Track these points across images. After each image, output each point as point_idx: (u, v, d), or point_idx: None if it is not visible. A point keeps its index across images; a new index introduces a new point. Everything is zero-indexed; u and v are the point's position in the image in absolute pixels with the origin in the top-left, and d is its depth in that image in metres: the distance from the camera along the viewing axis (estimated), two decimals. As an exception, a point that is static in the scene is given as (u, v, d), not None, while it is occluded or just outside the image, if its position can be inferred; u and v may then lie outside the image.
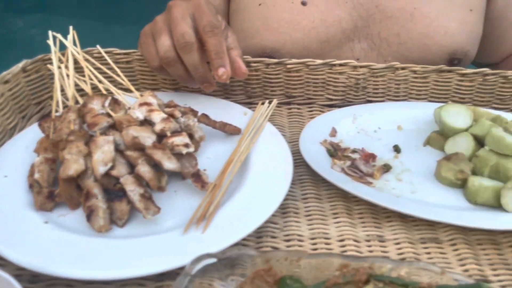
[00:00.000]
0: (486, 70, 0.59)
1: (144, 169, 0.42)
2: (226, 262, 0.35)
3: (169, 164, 0.42)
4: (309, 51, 0.66)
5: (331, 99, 0.62)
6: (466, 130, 0.51)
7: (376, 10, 0.66)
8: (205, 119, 0.52)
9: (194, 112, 0.52)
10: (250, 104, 0.61)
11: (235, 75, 0.52)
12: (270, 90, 0.62)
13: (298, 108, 0.62)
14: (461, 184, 0.47)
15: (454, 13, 0.66)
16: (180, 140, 0.44)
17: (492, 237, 0.43)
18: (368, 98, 0.62)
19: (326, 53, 0.67)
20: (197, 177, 0.44)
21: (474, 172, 0.47)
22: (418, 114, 0.58)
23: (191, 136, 0.49)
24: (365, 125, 0.57)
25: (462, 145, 0.50)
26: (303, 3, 0.66)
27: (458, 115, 0.52)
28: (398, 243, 0.42)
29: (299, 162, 0.51)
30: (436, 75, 0.60)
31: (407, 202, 0.44)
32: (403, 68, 0.60)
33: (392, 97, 0.62)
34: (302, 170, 0.50)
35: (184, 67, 0.50)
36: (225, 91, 0.62)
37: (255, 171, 0.46)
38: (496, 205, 0.43)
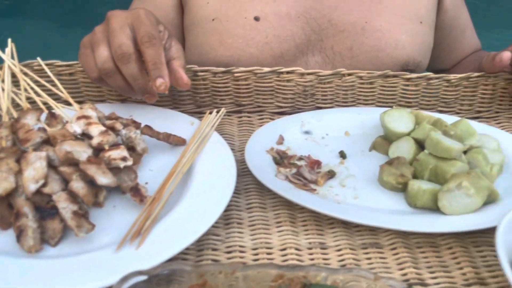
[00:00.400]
0: (430, 74, 0.61)
1: (77, 185, 0.40)
2: (160, 278, 0.34)
3: (103, 179, 0.41)
4: (263, 66, 0.66)
5: (281, 107, 0.62)
6: (408, 134, 0.52)
7: (329, 24, 0.67)
8: (148, 130, 0.51)
9: (136, 124, 0.51)
10: (199, 113, 0.61)
11: (177, 86, 0.51)
12: (219, 99, 0.61)
13: (248, 117, 0.62)
14: (402, 188, 0.47)
15: (404, 26, 0.68)
16: (118, 153, 0.43)
17: (431, 239, 0.43)
18: (317, 105, 0.62)
19: (279, 64, 0.67)
20: (136, 191, 0.43)
21: (415, 176, 0.48)
22: (365, 119, 0.59)
23: (133, 148, 0.48)
24: (312, 131, 0.57)
25: (404, 149, 0.51)
26: (256, 19, 0.66)
27: (400, 120, 0.53)
28: (339, 250, 0.42)
29: (246, 172, 0.51)
30: (382, 81, 0.61)
31: (349, 208, 0.45)
32: (349, 74, 0.60)
33: (340, 103, 0.62)
34: (249, 179, 0.50)
35: (124, 78, 0.49)
36: (174, 101, 0.61)
37: (197, 182, 0.45)
38: (435, 207, 0.44)
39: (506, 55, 0.58)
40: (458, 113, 0.63)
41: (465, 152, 0.50)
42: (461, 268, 0.41)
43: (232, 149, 0.55)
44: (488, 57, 0.60)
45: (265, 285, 0.36)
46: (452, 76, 0.61)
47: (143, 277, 0.33)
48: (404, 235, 0.44)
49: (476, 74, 0.61)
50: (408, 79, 0.61)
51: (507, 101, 0.64)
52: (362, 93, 0.62)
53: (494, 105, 0.64)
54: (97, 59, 0.48)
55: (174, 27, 0.74)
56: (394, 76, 0.60)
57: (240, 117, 0.62)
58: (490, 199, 0.45)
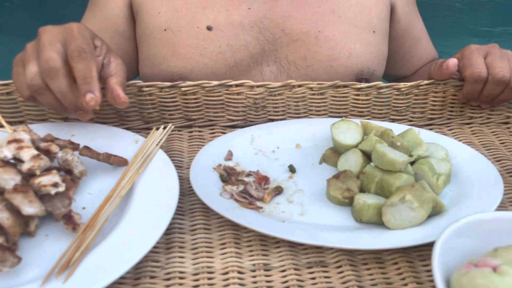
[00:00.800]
0: (380, 83, 0.60)
1: (2, 216, 0.38)
2: None
3: (29, 208, 0.38)
4: (218, 76, 0.65)
5: (233, 120, 0.61)
6: (356, 146, 0.51)
7: (282, 34, 0.66)
8: (87, 151, 0.49)
9: (74, 145, 0.48)
10: (148, 129, 0.59)
11: (115, 104, 0.49)
12: (168, 114, 0.59)
13: (199, 131, 0.61)
14: (349, 203, 0.46)
15: (357, 35, 0.67)
16: (49, 179, 0.41)
17: (377, 255, 0.43)
18: (269, 117, 0.61)
19: (235, 77, 0.66)
20: (68, 219, 0.41)
21: (362, 190, 0.48)
22: (316, 131, 0.58)
23: (70, 171, 0.46)
24: (263, 145, 0.56)
25: (352, 162, 0.50)
26: (209, 28, 0.65)
27: (348, 132, 0.52)
28: (283, 271, 0.41)
29: (192, 191, 0.49)
30: (332, 91, 0.60)
31: (294, 227, 0.44)
32: (299, 86, 0.59)
33: (292, 114, 0.62)
34: (195, 198, 0.48)
35: (54, 95, 0.46)
36: (120, 118, 0.59)
37: (136, 206, 0.43)
38: (380, 222, 0.43)
39: (452, 62, 0.58)
40: (410, 121, 0.63)
41: (413, 163, 0.50)
42: (405, 284, 0.40)
43: (180, 166, 0.54)
44: (436, 64, 0.60)
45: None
46: (402, 85, 0.61)
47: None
48: (350, 252, 0.43)
49: (426, 82, 0.61)
50: (359, 89, 0.60)
51: (458, 108, 0.64)
52: (313, 104, 0.61)
53: (446, 112, 0.64)
54: (26, 76, 0.46)
55: (125, 39, 0.72)
56: (345, 86, 0.60)
57: (191, 132, 0.60)
58: (435, 211, 0.44)
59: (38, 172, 0.42)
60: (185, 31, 0.66)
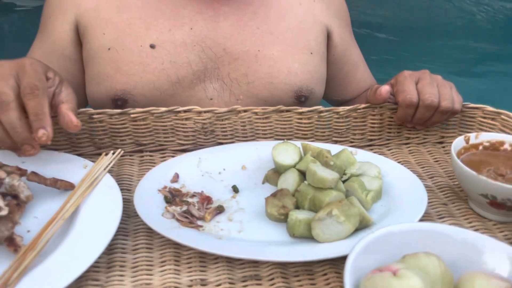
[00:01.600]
0: (320, 107, 0.64)
1: None
2: None
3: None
4: (161, 92, 0.68)
5: (183, 144, 0.64)
6: (294, 166, 0.55)
7: (224, 52, 0.70)
8: (34, 177, 0.50)
9: (22, 171, 0.50)
10: (99, 155, 0.61)
11: (68, 129, 0.52)
12: (119, 139, 0.62)
13: (151, 156, 0.63)
14: (285, 219, 0.49)
15: (295, 55, 0.72)
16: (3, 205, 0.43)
17: (308, 267, 0.45)
18: (218, 141, 0.65)
19: (179, 93, 0.69)
20: (10, 241, 0.42)
21: (298, 206, 0.51)
22: (261, 153, 0.61)
23: (16, 196, 0.48)
24: (209, 168, 0.59)
25: (290, 181, 0.53)
26: (152, 46, 0.68)
27: (286, 153, 0.55)
28: (219, 285, 0.43)
29: (138, 223, 0.51)
30: (276, 115, 0.64)
31: (230, 243, 0.46)
32: (245, 111, 0.63)
33: (240, 138, 0.65)
34: (139, 220, 0.51)
35: (4, 128, 0.49)
36: (72, 144, 0.61)
37: (78, 228, 0.45)
38: (311, 236, 0.46)
39: (384, 89, 0.63)
40: (351, 142, 0.67)
41: (346, 180, 0.53)
42: (332, 294, 0.43)
43: (129, 190, 0.56)
44: (372, 90, 0.65)
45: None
46: (340, 109, 0.65)
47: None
48: (283, 265, 0.45)
49: (363, 105, 0.66)
50: (301, 113, 0.64)
51: (396, 129, 0.68)
52: (260, 128, 0.65)
53: (384, 133, 0.68)
54: None
55: (72, 62, 0.73)
56: (287, 110, 0.64)
57: (142, 156, 0.63)
58: (363, 225, 0.48)
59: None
60: (128, 49, 0.69)
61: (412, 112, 0.64)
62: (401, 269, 0.34)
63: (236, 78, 0.71)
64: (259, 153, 0.61)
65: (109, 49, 0.69)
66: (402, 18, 2.75)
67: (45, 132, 0.47)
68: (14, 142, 0.49)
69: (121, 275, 0.44)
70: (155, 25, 0.69)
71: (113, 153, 0.57)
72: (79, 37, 0.73)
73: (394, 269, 0.34)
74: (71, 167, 0.55)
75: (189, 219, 0.49)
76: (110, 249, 0.46)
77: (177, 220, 0.49)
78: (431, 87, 0.63)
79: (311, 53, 0.74)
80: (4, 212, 0.43)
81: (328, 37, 0.79)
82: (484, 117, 0.67)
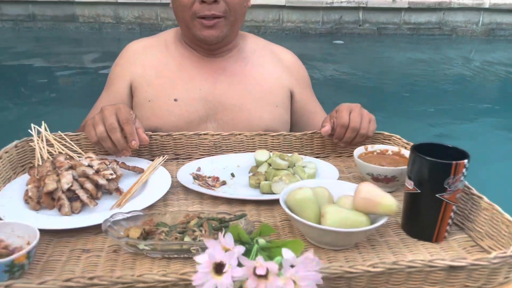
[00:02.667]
0: (284, 133, 1.07)
1: (88, 185, 0.81)
2: (129, 217, 0.74)
3: (101, 181, 0.82)
4: (179, 128, 1.10)
5: (202, 154, 1.06)
6: (266, 161, 0.97)
7: (219, 105, 1.14)
8: (123, 165, 0.93)
9: (117, 162, 0.93)
10: (153, 159, 1.03)
11: (142, 143, 0.95)
12: (164, 150, 1.05)
13: (183, 161, 1.05)
14: (258, 186, 0.90)
15: (265, 107, 1.15)
16: (109, 172, 0.85)
17: (270, 206, 0.85)
18: (224, 152, 1.07)
19: (191, 130, 1.11)
20: (117, 190, 0.84)
21: (266, 179, 0.92)
22: (250, 158, 1.03)
23: (115, 172, 0.90)
24: (218, 165, 1.01)
25: (263, 168, 0.95)
26: (175, 100, 1.12)
27: (262, 155, 0.98)
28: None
29: (178, 183, 0.92)
30: (259, 137, 1.07)
31: (228, 194, 0.87)
32: (239, 134, 1.06)
33: (237, 150, 1.07)
34: (179, 188, 0.92)
35: (112, 142, 0.92)
36: (138, 152, 1.04)
37: (148, 187, 0.87)
38: (271, 192, 0.87)
39: (324, 130, 1.03)
40: (306, 154, 1.09)
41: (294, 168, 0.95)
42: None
43: (172, 175, 0.98)
44: (321, 125, 1.06)
45: (181, 219, 0.75)
46: (297, 134, 1.08)
47: (122, 216, 0.73)
48: (257, 205, 0.85)
49: (310, 132, 1.08)
50: (273, 136, 1.07)
51: (332, 147, 1.10)
52: (248, 144, 1.07)
53: (326, 150, 1.10)
54: (96, 131, 0.92)
55: (129, 107, 1.17)
56: (265, 134, 1.07)
57: (178, 160, 1.05)
58: (300, 187, 0.89)
59: (101, 170, 0.86)
60: (161, 101, 1.12)
61: (343, 132, 1.04)
62: (305, 187, 0.74)
63: (226, 121, 1.14)
64: (248, 158, 1.03)
65: (149, 101, 1.14)
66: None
67: (135, 142, 0.91)
68: (117, 149, 0.93)
69: (173, 208, 0.84)
70: (178, 87, 1.14)
71: (162, 157, 1.00)
72: (131, 92, 1.18)
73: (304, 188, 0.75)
74: (140, 163, 0.97)
75: (206, 185, 0.90)
76: (166, 198, 0.87)
77: (199, 185, 0.90)
78: (358, 117, 1.03)
79: (276, 106, 1.17)
80: (114, 176, 0.85)
81: (291, 95, 1.23)
82: (384, 138, 1.09)
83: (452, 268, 0.60)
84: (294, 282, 0.50)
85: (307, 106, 1.25)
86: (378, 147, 1.00)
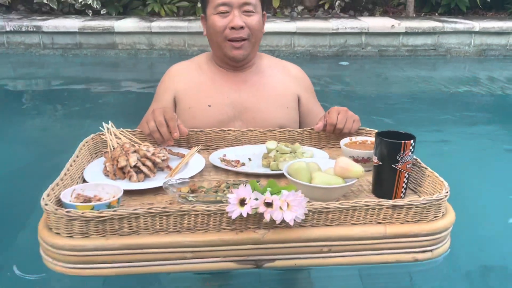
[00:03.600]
0: (289, 128, 1.40)
1: (148, 163, 1.16)
2: (179, 182, 1.07)
3: (158, 160, 1.16)
4: (212, 127, 1.45)
5: (227, 145, 1.40)
6: (274, 149, 1.29)
7: (243, 108, 1.48)
8: (170, 151, 1.27)
9: (165, 149, 1.27)
10: (190, 148, 1.37)
11: (182, 135, 1.29)
12: (198, 143, 1.39)
13: (213, 149, 1.39)
14: (268, 166, 1.23)
15: (278, 109, 1.49)
16: (161, 154, 1.19)
17: (277, 178, 1.18)
18: (244, 143, 1.40)
19: (221, 127, 1.45)
20: (167, 167, 1.18)
21: (275, 160, 1.24)
22: (263, 147, 1.36)
23: (165, 156, 1.24)
24: (240, 153, 1.34)
25: (272, 154, 1.28)
26: (209, 105, 1.47)
27: (272, 144, 1.30)
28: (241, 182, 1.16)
29: (210, 167, 1.25)
30: (270, 132, 1.40)
31: (246, 170, 1.20)
32: (255, 130, 1.39)
33: (254, 141, 1.40)
34: (210, 167, 1.25)
35: (160, 134, 1.26)
36: (179, 142, 1.38)
37: (189, 166, 1.21)
38: (278, 169, 1.20)
39: (316, 127, 1.37)
40: (305, 145, 1.41)
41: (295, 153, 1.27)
42: (284, 185, 1.15)
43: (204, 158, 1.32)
44: (315, 124, 1.40)
45: (214, 183, 1.09)
46: (299, 130, 1.40)
47: (174, 181, 1.07)
48: (267, 178, 1.18)
49: (309, 128, 1.41)
50: (280, 131, 1.40)
51: (326, 140, 1.42)
52: (262, 138, 1.40)
53: (321, 142, 1.42)
54: (149, 126, 1.26)
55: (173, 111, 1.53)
56: (274, 130, 1.40)
57: (208, 149, 1.39)
58: (299, 166, 1.21)
59: (156, 153, 1.20)
60: (198, 108, 1.47)
61: (332, 129, 1.37)
62: (300, 161, 1.07)
63: (249, 120, 1.48)
64: (261, 148, 1.36)
65: (189, 108, 1.49)
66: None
67: (177, 134, 1.25)
68: (163, 140, 1.27)
69: (201, 179, 1.17)
70: (211, 96, 1.49)
71: (197, 146, 1.34)
72: (175, 102, 1.54)
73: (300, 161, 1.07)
74: (181, 150, 1.31)
75: (230, 166, 1.24)
76: (201, 174, 1.20)
77: (225, 164, 1.23)
78: (343, 119, 1.36)
79: (287, 108, 1.51)
80: (165, 157, 1.19)
81: (298, 100, 1.57)
82: (366, 133, 1.40)
83: (394, 207, 0.91)
84: (288, 204, 0.82)
85: (311, 109, 1.59)
86: (360, 138, 1.32)
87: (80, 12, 5.29)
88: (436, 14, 5.70)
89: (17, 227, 1.59)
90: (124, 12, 5.47)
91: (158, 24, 4.66)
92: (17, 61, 4.52)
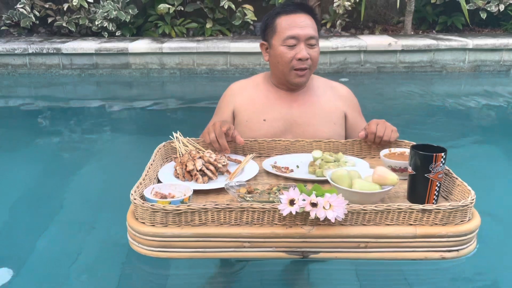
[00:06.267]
0: (333, 140, 1.56)
1: (211, 167, 1.36)
2: (238, 185, 1.27)
3: (219, 165, 1.37)
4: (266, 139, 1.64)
5: (277, 154, 1.58)
6: (320, 157, 1.46)
7: (294, 122, 1.66)
8: (229, 158, 1.48)
9: (224, 156, 1.48)
10: (245, 155, 1.57)
11: (239, 144, 1.49)
12: (252, 151, 1.58)
13: (265, 157, 1.58)
14: (314, 172, 1.40)
15: (325, 124, 1.65)
16: (222, 161, 1.40)
17: (322, 183, 1.34)
18: (294, 152, 1.58)
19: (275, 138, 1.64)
20: (227, 171, 1.38)
21: (320, 168, 1.41)
22: (309, 156, 1.53)
23: (224, 162, 1.45)
24: (290, 160, 1.52)
25: (317, 162, 1.44)
26: (264, 120, 1.66)
27: (317, 153, 1.47)
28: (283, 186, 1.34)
29: (262, 170, 1.44)
30: (316, 143, 1.56)
31: (294, 176, 1.37)
32: (306, 141, 1.57)
33: (303, 151, 1.58)
34: (263, 172, 1.44)
35: (219, 144, 1.47)
36: (235, 151, 1.58)
37: (245, 170, 1.40)
38: (323, 176, 1.36)
39: (360, 135, 1.52)
40: (348, 155, 1.56)
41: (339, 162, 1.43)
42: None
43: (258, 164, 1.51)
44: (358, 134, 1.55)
45: (267, 187, 1.28)
46: (342, 141, 1.56)
47: (234, 183, 1.27)
48: (311, 183, 1.35)
49: (351, 140, 1.56)
50: (325, 142, 1.56)
51: (367, 151, 1.57)
52: (309, 148, 1.57)
53: (363, 152, 1.57)
54: (210, 137, 1.47)
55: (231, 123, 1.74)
56: (319, 141, 1.56)
57: (261, 157, 1.58)
58: (342, 173, 1.37)
59: (217, 160, 1.41)
60: (254, 122, 1.67)
61: (373, 137, 1.52)
62: (342, 169, 1.23)
63: (299, 133, 1.66)
64: (307, 157, 1.53)
65: (246, 121, 1.69)
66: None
67: (240, 140, 1.45)
68: (221, 148, 1.48)
69: (256, 182, 1.36)
70: (266, 111, 1.68)
71: (251, 154, 1.53)
72: (234, 116, 1.74)
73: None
74: (238, 157, 1.51)
75: (280, 171, 1.42)
76: (255, 178, 1.39)
77: (276, 170, 1.42)
78: (382, 128, 1.51)
79: (334, 123, 1.68)
80: (225, 163, 1.39)
81: (345, 116, 1.73)
82: (405, 145, 1.53)
83: (424, 210, 1.05)
84: (330, 204, 0.99)
85: (356, 125, 1.74)
86: (398, 150, 1.46)
87: (97, 34, 5.68)
88: (433, 31, 5.83)
89: (107, 217, 1.87)
90: (138, 33, 5.84)
91: (168, 45, 4.97)
92: (38, 81, 5.00)
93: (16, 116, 3.76)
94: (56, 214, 1.95)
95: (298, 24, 1.57)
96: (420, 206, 1.05)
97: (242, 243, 1.08)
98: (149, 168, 1.32)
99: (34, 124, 3.49)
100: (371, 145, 1.55)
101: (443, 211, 1.05)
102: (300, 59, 1.57)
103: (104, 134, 3.29)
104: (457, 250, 1.06)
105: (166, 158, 1.54)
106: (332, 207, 1.00)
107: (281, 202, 1.05)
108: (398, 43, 4.88)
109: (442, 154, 1.16)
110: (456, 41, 4.95)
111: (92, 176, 2.38)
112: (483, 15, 5.50)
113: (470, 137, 3.04)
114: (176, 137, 1.55)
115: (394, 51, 4.89)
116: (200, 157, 1.41)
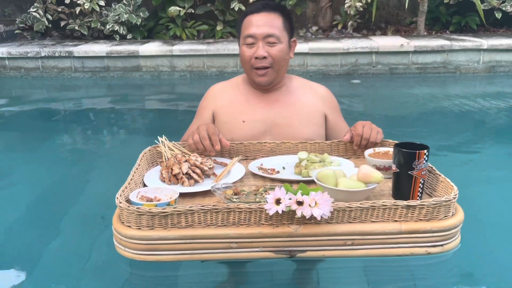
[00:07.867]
0: (318, 141, 1.57)
1: (197, 171, 1.36)
2: (224, 186, 1.27)
3: (205, 168, 1.36)
4: (246, 140, 1.62)
5: (263, 156, 1.59)
6: (305, 158, 1.47)
7: (274, 124, 1.66)
8: (215, 161, 1.47)
9: (210, 159, 1.47)
10: (230, 159, 1.57)
11: (225, 147, 1.49)
12: (238, 153, 1.58)
13: (251, 159, 1.58)
14: (300, 173, 1.41)
15: (306, 125, 1.66)
16: (209, 163, 1.40)
17: (308, 184, 1.35)
18: (278, 154, 1.59)
19: (254, 140, 1.64)
20: (214, 174, 1.38)
21: (306, 168, 1.42)
22: (294, 158, 1.54)
23: (211, 165, 1.45)
24: (275, 162, 1.52)
25: (303, 163, 1.45)
26: (243, 121, 1.66)
27: (303, 154, 1.48)
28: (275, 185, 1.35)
29: (249, 174, 1.44)
30: (300, 144, 1.58)
31: (279, 177, 1.38)
32: (287, 143, 1.58)
33: (286, 152, 1.58)
34: (249, 174, 1.44)
35: (203, 146, 1.47)
36: (221, 153, 1.58)
37: (232, 173, 1.40)
38: (309, 176, 1.37)
39: (345, 138, 1.53)
40: (336, 155, 1.58)
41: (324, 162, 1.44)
42: (314, 190, 1.32)
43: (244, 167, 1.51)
44: (343, 136, 1.56)
45: (253, 188, 1.28)
46: (327, 142, 1.57)
47: (220, 185, 1.27)
48: (297, 183, 1.35)
49: (337, 140, 1.58)
50: (311, 143, 1.57)
51: (352, 151, 1.58)
52: (295, 149, 1.58)
53: (348, 153, 1.58)
54: (194, 139, 1.47)
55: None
56: (305, 142, 1.57)
57: (247, 159, 1.58)
58: (327, 173, 1.38)
59: (203, 163, 1.40)
60: (233, 123, 1.66)
61: (359, 139, 1.53)
62: (328, 169, 1.24)
63: (278, 135, 1.66)
64: (293, 158, 1.54)
65: (225, 123, 1.69)
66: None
67: (218, 147, 1.45)
68: (206, 150, 1.47)
69: (242, 184, 1.36)
70: (245, 113, 1.68)
71: (238, 157, 1.53)
72: (214, 118, 1.74)
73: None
74: (224, 160, 1.51)
75: (267, 173, 1.42)
76: (242, 180, 1.39)
77: (262, 172, 1.42)
78: (368, 130, 1.53)
79: (314, 124, 1.69)
80: (211, 166, 1.39)
81: (325, 117, 1.74)
82: (388, 145, 1.56)
83: (408, 206, 1.07)
84: (316, 202, 1.00)
85: (336, 125, 1.75)
86: (382, 149, 1.47)
87: (109, 37, 5.70)
88: (447, 32, 5.76)
89: (92, 222, 1.84)
90: (149, 36, 5.85)
91: (179, 48, 4.99)
92: (50, 84, 5.00)
93: (28, 119, 3.74)
94: (69, 215, 1.93)
95: (255, 23, 1.58)
96: (405, 202, 1.07)
97: (229, 244, 1.08)
98: (134, 173, 1.31)
99: (46, 127, 3.47)
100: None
101: (427, 207, 1.06)
102: (257, 58, 1.58)
103: (115, 136, 3.28)
104: (442, 245, 1.07)
105: (152, 162, 1.54)
106: (318, 204, 1.01)
107: (267, 202, 1.06)
108: (410, 44, 4.80)
109: (425, 151, 1.18)
110: (470, 41, 4.85)
111: (104, 178, 2.36)
112: (498, 15, 5.37)
113: (486, 140, 3.01)
114: (162, 141, 1.54)
115: (407, 52, 4.82)
116: (186, 161, 1.40)
